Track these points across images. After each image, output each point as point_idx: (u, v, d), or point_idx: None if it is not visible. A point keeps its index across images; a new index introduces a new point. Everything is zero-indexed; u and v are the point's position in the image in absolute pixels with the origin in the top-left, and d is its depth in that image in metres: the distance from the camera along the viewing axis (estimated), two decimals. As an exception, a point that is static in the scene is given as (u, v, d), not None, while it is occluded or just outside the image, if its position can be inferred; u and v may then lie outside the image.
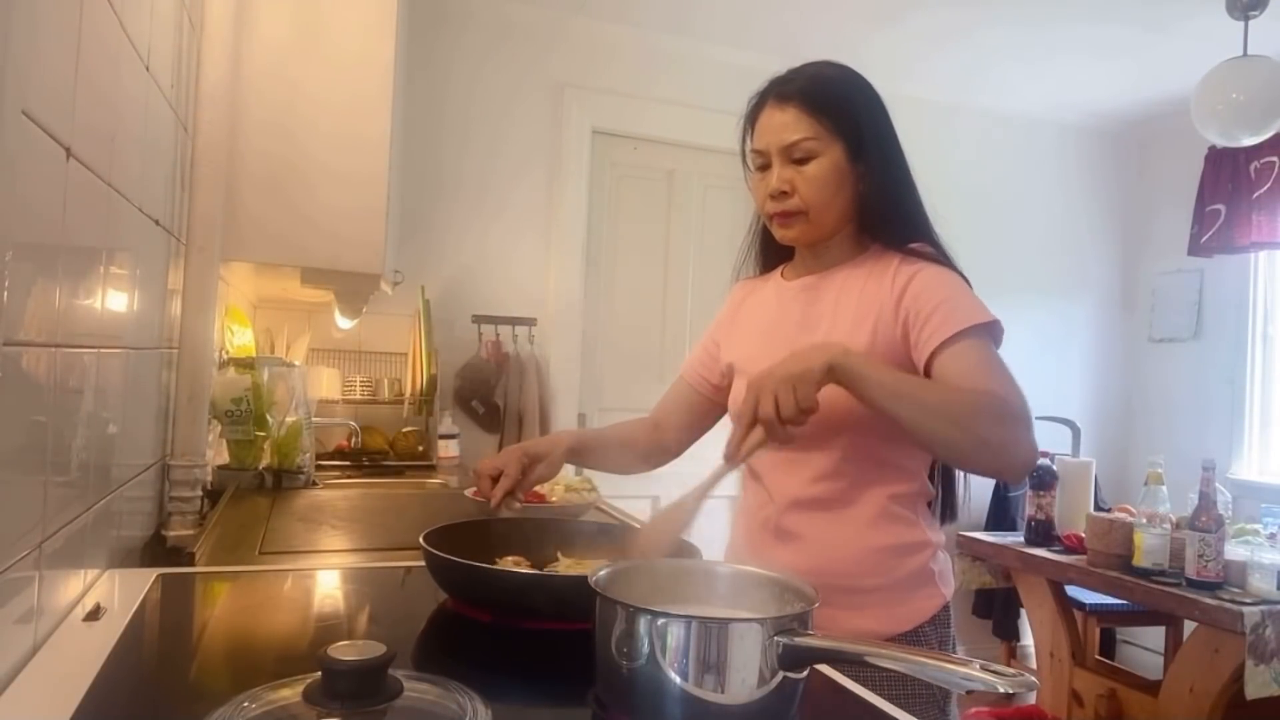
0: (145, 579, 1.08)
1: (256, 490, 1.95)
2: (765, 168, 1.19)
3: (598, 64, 3.32)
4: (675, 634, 0.67)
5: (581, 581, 0.75)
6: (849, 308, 1.17)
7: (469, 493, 1.43)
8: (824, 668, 0.84)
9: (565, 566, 1.09)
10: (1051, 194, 4.03)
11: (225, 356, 2.06)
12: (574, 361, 3.30)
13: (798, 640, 0.67)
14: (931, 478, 1.22)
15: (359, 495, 2.11)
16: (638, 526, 1.33)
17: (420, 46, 2.95)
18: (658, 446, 1.40)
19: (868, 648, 0.68)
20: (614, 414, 3.25)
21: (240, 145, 1.72)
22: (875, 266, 1.18)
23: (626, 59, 3.35)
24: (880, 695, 0.81)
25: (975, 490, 3.24)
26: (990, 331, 1.09)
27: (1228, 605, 2.26)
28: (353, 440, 2.68)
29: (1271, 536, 2.69)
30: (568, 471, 1.57)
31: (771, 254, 1.34)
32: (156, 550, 1.36)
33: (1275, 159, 3.38)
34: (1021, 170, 3.97)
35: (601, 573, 0.77)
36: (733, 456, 1.03)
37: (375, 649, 0.58)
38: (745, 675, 0.67)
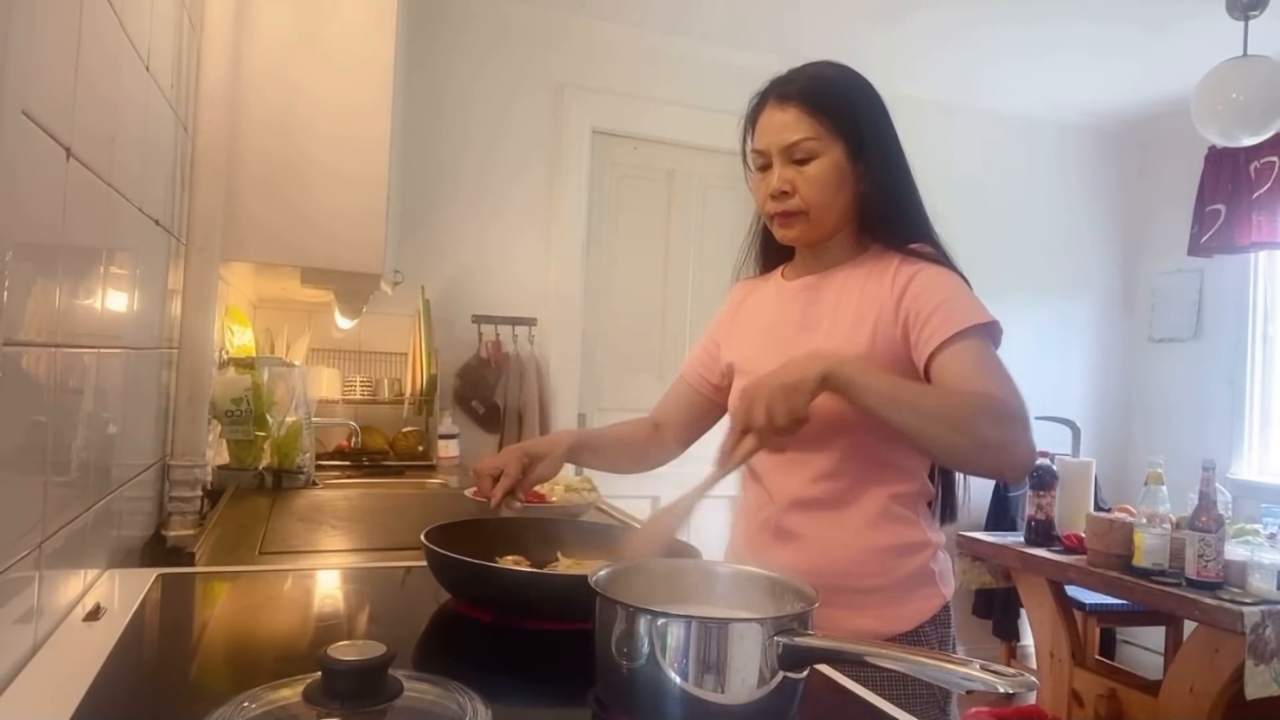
0: (145, 579, 1.08)
1: (256, 490, 1.95)
2: (766, 168, 1.19)
3: (597, 64, 3.32)
4: (675, 634, 0.67)
5: (581, 581, 0.75)
6: (849, 308, 1.17)
7: (469, 492, 1.42)
8: (824, 668, 0.84)
9: (565, 566, 1.09)
10: (1051, 194, 4.03)
11: (225, 356, 2.06)
12: (574, 361, 3.30)
13: (798, 640, 0.67)
14: (931, 478, 1.22)
15: (359, 495, 2.11)
16: (637, 527, 1.33)
17: (420, 46, 2.95)
18: (658, 446, 1.40)
19: (868, 648, 0.68)
20: (614, 414, 3.25)
21: (240, 145, 1.72)
22: (875, 266, 1.18)
23: (626, 59, 3.35)
24: (880, 695, 0.81)
25: (975, 490, 3.24)
26: (990, 332, 1.10)
27: (1228, 605, 2.26)
28: (353, 440, 2.68)
29: (1271, 536, 2.69)
30: (568, 471, 1.57)
31: (772, 254, 1.34)
32: (156, 550, 1.36)
33: (1275, 159, 3.38)
34: (1021, 170, 3.97)
35: (601, 573, 0.77)
36: (725, 462, 1.03)
37: (375, 649, 0.58)
38: (745, 675, 0.67)
